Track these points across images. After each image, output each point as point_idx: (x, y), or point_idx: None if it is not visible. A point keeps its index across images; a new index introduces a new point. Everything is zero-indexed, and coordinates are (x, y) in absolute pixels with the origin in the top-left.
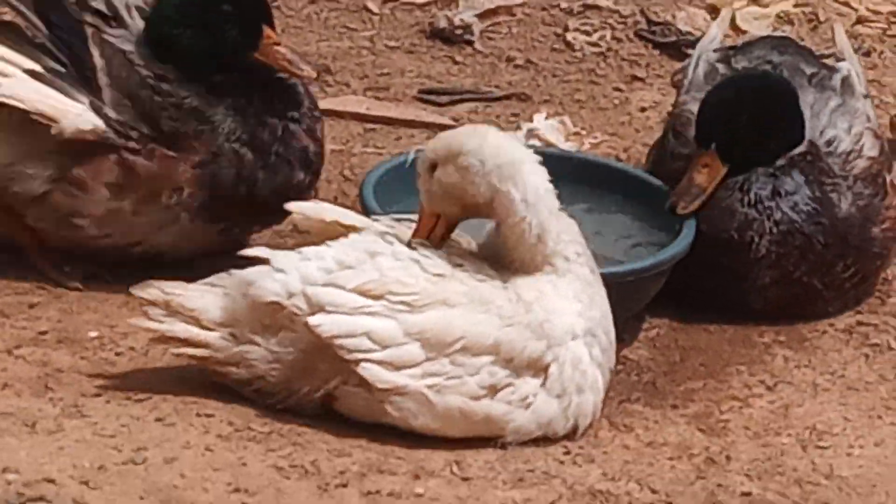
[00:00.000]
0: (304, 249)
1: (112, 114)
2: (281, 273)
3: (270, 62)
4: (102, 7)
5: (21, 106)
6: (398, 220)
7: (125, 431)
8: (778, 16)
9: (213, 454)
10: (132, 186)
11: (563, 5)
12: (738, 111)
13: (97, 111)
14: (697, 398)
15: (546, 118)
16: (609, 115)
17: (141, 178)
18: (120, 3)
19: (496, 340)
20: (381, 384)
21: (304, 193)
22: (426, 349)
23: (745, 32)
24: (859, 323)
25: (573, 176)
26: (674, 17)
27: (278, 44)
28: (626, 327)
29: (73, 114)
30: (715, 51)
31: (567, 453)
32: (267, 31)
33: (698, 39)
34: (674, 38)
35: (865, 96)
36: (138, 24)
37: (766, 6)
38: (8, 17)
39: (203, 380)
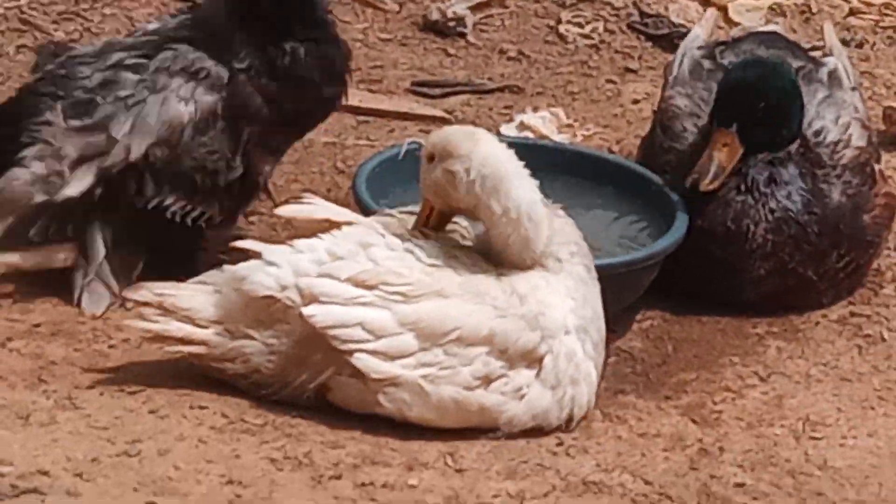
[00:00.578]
0: (296, 242)
1: None
2: (273, 266)
3: None
4: None
5: None
6: (404, 212)
7: (119, 424)
8: (770, 7)
9: (207, 446)
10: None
11: None
12: (763, 93)
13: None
14: (691, 389)
15: (538, 110)
16: (602, 107)
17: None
18: None
19: (490, 331)
20: (374, 374)
21: (334, 108)
22: (420, 339)
23: (737, 24)
24: (852, 314)
25: (565, 168)
26: (666, 9)
27: None
28: (619, 319)
29: None
30: (699, 48)
31: (560, 444)
32: None
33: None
34: (666, 31)
35: (854, 89)
36: None
37: None
38: None
39: (197, 372)
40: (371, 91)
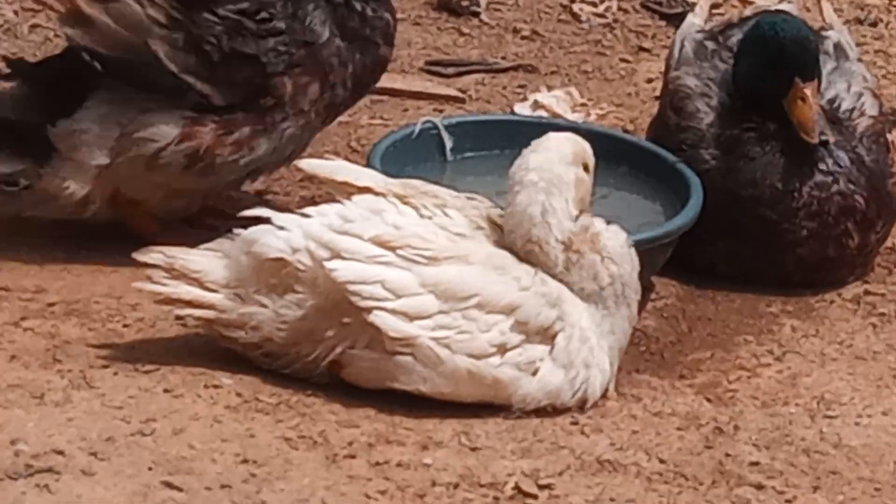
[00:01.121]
0: (306, 209)
1: None
2: (283, 230)
3: None
4: None
5: None
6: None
7: (133, 403)
8: None
9: (222, 425)
10: None
11: None
12: (816, 45)
13: None
14: (705, 368)
15: (552, 89)
16: (616, 86)
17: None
18: None
19: (511, 301)
20: (392, 332)
21: (386, 67)
22: (440, 301)
23: (751, 3)
24: (867, 293)
25: None
26: None
27: None
28: None
29: None
30: (699, 31)
31: (575, 423)
32: None
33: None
34: (680, 10)
35: (859, 60)
36: None
37: None
38: None
39: (211, 351)
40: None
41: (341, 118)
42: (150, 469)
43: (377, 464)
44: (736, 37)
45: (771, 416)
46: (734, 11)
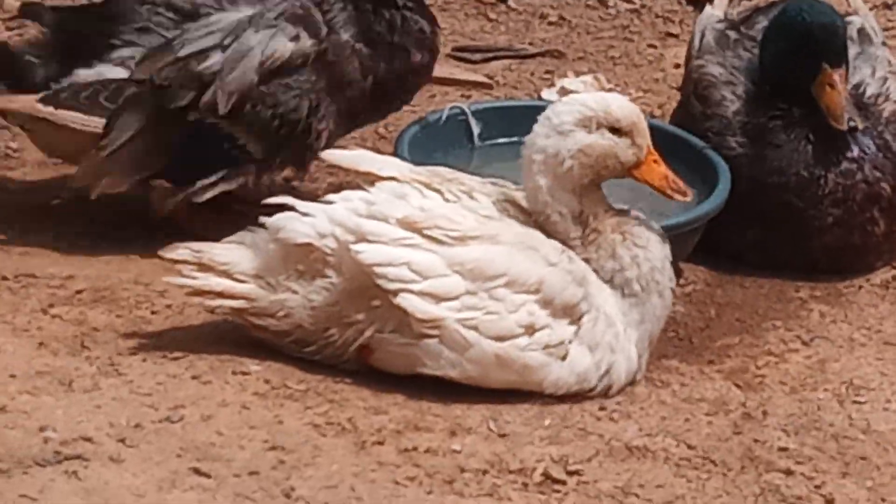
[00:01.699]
0: (329, 196)
1: None
2: (309, 216)
3: None
4: None
5: None
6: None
7: (161, 389)
8: None
9: (250, 412)
10: None
11: None
12: (844, 31)
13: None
14: (734, 354)
15: (580, 75)
16: (643, 71)
17: None
18: None
19: (539, 279)
20: (419, 314)
21: (425, 75)
22: (467, 282)
23: None
24: (895, 278)
25: None
26: None
27: None
28: None
29: None
30: (719, 21)
31: (603, 409)
32: None
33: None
34: None
35: (884, 44)
36: None
37: None
38: None
39: (239, 338)
40: None
41: None
42: (178, 456)
43: (406, 450)
44: (762, 23)
45: (800, 402)
46: None
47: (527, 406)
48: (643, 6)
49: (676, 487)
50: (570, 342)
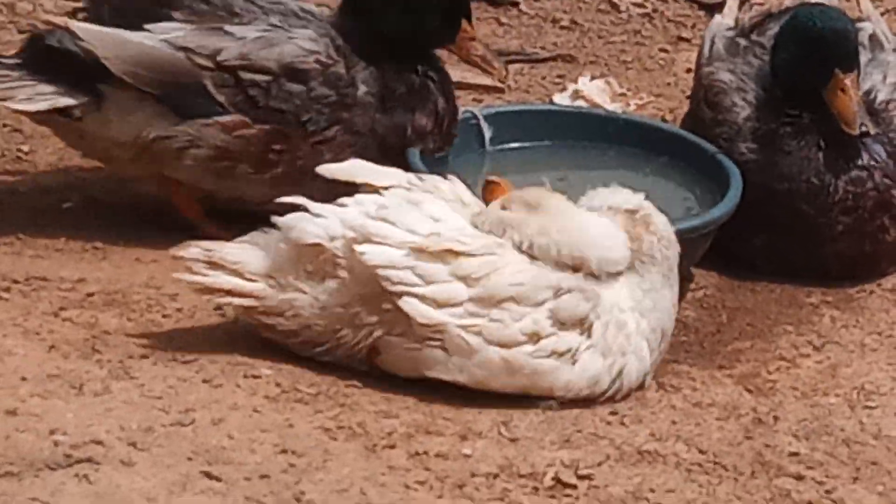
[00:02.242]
0: (342, 199)
1: None
2: (320, 217)
3: (463, 56)
4: None
5: None
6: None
7: (172, 393)
8: None
9: (261, 415)
10: None
11: None
12: (856, 35)
13: None
14: (745, 358)
15: (592, 79)
16: (655, 76)
17: None
18: None
19: (545, 295)
20: (421, 319)
21: (425, 138)
22: (471, 290)
23: None
24: None
25: (619, 137)
26: None
27: (474, 38)
28: None
29: None
30: (729, 29)
31: (614, 414)
32: (465, 24)
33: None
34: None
35: (895, 51)
36: None
37: None
38: None
39: (250, 341)
40: None
41: None
42: (189, 459)
43: (416, 454)
44: (773, 29)
45: (811, 407)
46: (773, 1)
47: (538, 411)
48: (655, 10)
49: (687, 492)
50: (579, 348)
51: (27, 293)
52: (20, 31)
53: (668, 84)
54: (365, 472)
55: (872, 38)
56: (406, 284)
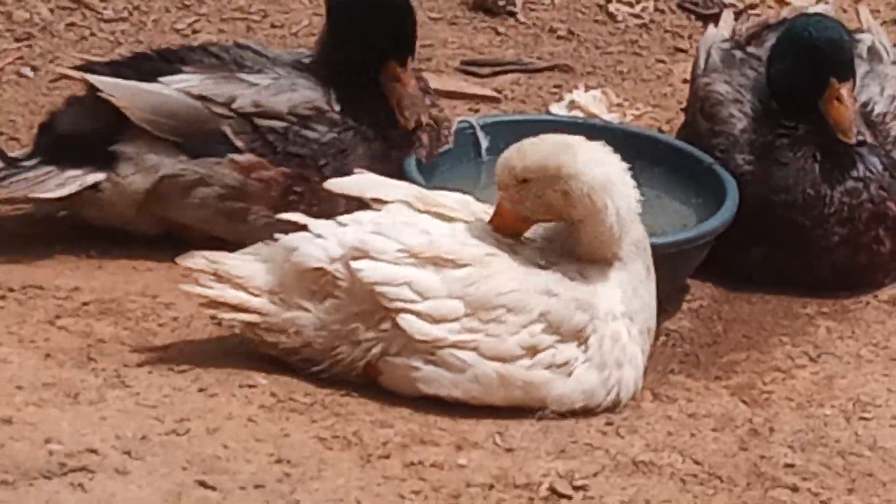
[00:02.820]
0: (341, 217)
1: None
2: (320, 238)
3: (386, 92)
4: None
5: None
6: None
7: (168, 402)
8: None
9: (256, 425)
10: None
11: None
12: (852, 44)
13: None
14: (740, 369)
15: (587, 90)
16: (652, 86)
17: None
18: None
19: (540, 308)
20: (419, 335)
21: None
22: (468, 305)
23: (788, 4)
24: None
25: (615, 148)
26: None
27: (398, 80)
28: (669, 299)
29: None
30: (724, 41)
31: (609, 424)
32: (391, 64)
33: (741, 11)
34: (717, 10)
35: (894, 63)
36: None
37: None
38: None
39: (246, 350)
40: (421, 70)
41: None
42: (184, 468)
43: (412, 464)
44: (770, 41)
45: (806, 418)
46: (770, 12)
47: (533, 421)
48: (652, 21)
49: (682, 503)
50: (576, 361)
51: (23, 301)
52: (17, 40)
53: (665, 95)
54: (360, 481)
55: (871, 49)
56: (403, 301)
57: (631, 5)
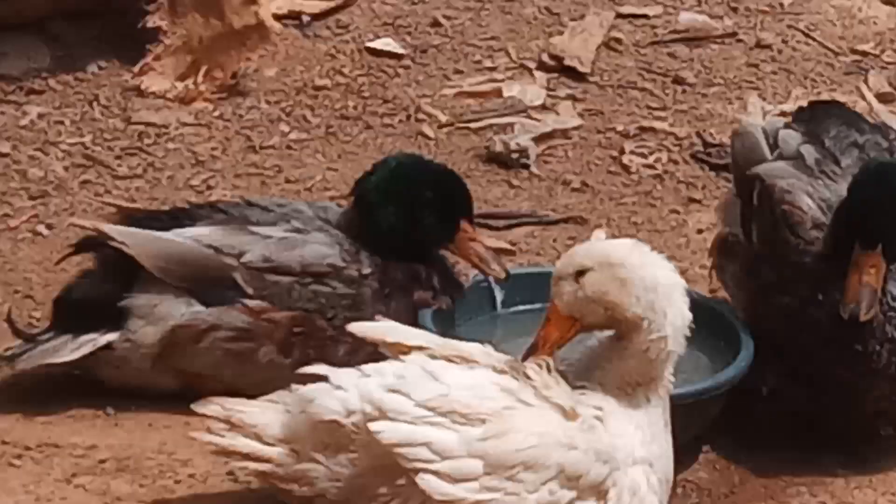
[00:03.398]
0: (364, 367)
1: None
2: (340, 390)
3: (462, 256)
4: None
5: None
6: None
7: None
8: None
9: None
10: None
11: (619, 128)
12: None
13: None
14: None
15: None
16: (666, 237)
17: None
18: None
19: (559, 461)
20: (439, 496)
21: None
22: (486, 464)
23: None
24: None
25: None
26: (729, 138)
27: (473, 239)
28: (686, 449)
29: None
30: (786, 127)
31: None
32: (464, 224)
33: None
34: (730, 160)
35: None
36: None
37: None
38: None
39: None
40: None
41: None
42: None
43: None
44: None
45: None
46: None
47: None
48: (666, 172)
49: None
50: None
51: (39, 460)
52: (31, 198)
53: (679, 245)
54: None
55: None
56: (422, 461)
57: (644, 156)
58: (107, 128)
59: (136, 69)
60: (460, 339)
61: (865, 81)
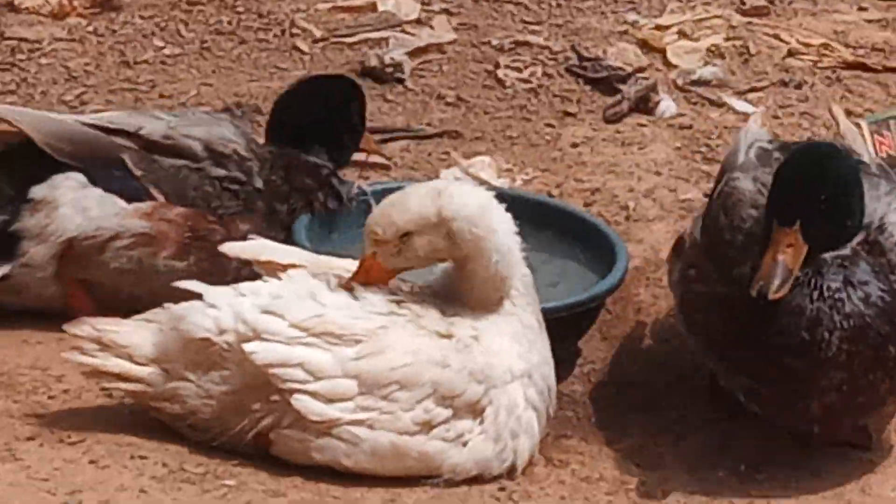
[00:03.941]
0: (241, 285)
1: None
2: (213, 308)
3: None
4: None
5: None
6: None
7: (59, 474)
8: (709, 49)
9: (148, 496)
10: None
11: (494, 42)
12: (822, 186)
13: None
14: (633, 433)
15: (478, 155)
16: (541, 151)
17: None
18: None
19: (434, 380)
20: (313, 416)
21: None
22: (361, 383)
23: (676, 67)
24: None
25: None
26: (605, 52)
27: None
28: (560, 363)
29: None
30: (769, 141)
31: (503, 490)
32: (367, 136)
33: (629, 74)
34: (605, 74)
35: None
36: None
37: (697, 40)
38: None
39: (136, 421)
40: None
41: None
42: None
43: None
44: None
45: (699, 480)
46: (658, 75)
47: (426, 488)
48: (540, 86)
49: None
50: (471, 433)
51: None
52: None
53: (554, 159)
54: None
55: (881, 167)
56: (297, 382)
57: (519, 70)
58: None
59: None
60: (334, 253)
61: None
